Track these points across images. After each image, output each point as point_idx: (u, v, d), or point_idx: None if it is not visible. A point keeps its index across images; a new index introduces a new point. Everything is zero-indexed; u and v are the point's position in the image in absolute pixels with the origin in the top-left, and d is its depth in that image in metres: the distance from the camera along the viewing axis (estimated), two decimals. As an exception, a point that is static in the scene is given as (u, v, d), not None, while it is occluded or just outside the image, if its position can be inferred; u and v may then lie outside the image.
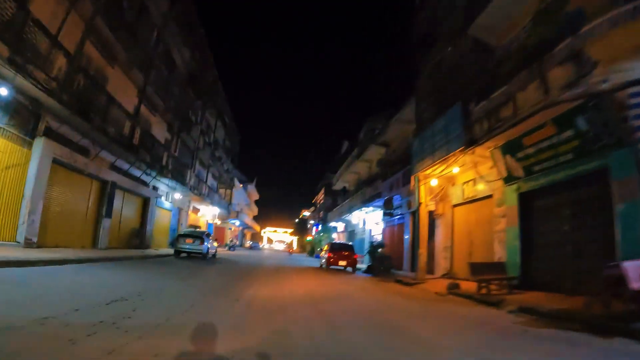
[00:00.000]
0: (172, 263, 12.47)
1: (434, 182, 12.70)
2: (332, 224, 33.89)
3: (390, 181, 16.19)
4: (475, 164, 10.87)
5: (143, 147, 14.34)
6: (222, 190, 33.99)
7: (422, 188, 12.82)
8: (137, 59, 13.35)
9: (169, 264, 11.77)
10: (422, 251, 12.34)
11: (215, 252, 17.66)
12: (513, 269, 8.66)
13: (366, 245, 20.14)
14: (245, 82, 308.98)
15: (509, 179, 9.30)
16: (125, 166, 14.04)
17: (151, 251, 15.51)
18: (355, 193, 24.72)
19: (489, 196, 10.58)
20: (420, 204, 12.69)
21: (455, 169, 11.20)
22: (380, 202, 19.34)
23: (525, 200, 8.92)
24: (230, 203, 34.93)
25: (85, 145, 11.54)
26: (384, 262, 15.69)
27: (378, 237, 22.58)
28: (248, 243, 61.41)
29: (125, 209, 14.85)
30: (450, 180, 12.92)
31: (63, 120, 9.88)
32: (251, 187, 59.65)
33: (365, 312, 5.79)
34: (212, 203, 26.47)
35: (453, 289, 8.75)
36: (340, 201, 30.37)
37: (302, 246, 74.82)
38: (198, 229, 21.91)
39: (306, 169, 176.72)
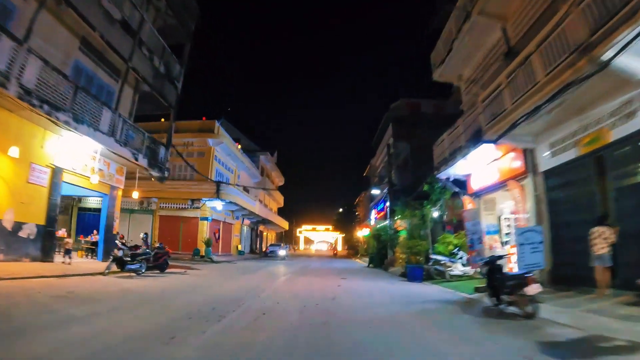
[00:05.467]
0: None
1: None
2: (452, 169, 11.03)
3: None
4: None
5: None
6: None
7: None
8: None
9: None
10: None
11: None
12: None
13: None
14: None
15: None
16: None
17: None
18: None
19: None
20: None
21: None
22: None
23: None
24: (168, 146, 13.56)
25: None
26: None
27: None
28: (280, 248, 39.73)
29: None
30: None
31: None
32: (266, 160, 38.08)
33: None
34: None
35: None
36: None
37: (351, 247, 50.86)
38: None
39: (350, 153, 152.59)
